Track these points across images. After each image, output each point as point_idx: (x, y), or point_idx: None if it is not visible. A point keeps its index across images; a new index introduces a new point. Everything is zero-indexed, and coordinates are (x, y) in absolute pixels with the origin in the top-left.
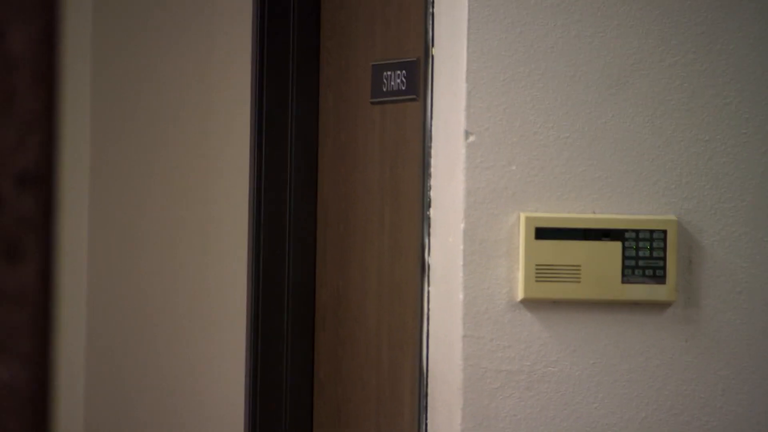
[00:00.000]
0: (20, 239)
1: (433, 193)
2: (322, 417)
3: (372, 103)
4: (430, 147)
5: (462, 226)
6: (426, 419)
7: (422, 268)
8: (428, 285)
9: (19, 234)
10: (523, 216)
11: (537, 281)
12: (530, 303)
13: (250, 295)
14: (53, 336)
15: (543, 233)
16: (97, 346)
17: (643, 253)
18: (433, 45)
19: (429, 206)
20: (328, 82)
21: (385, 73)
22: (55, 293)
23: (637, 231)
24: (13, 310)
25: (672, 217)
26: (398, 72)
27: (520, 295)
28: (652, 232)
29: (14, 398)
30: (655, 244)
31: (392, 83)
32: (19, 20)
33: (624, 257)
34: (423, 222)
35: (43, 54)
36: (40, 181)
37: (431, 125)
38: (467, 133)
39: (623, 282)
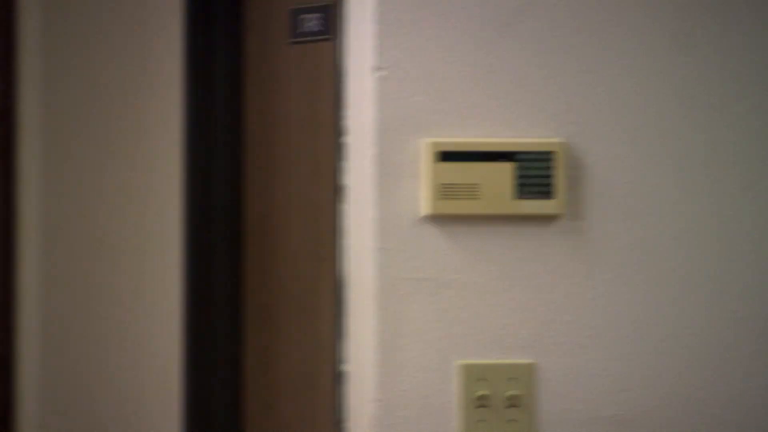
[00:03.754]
0: None
1: (347, 123)
2: (252, 321)
3: (291, 43)
4: (344, 81)
5: (373, 151)
6: (344, 324)
7: (338, 190)
8: (344, 204)
9: None
10: (427, 141)
11: (440, 199)
12: (435, 218)
13: (185, 214)
14: (17, 256)
15: (445, 156)
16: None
17: (534, 172)
18: None
19: (344, 134)
20: (252, 26)
21: (301, 16)
22: (16, 218)
23: (528, 152)
24: None
25: (559, 139)
26: (314, 15)
27: (425, 211)
28: (541, 153)
29: None
30: (544, 164)
31: (309, 25)
32: None
33: (517, 176)
34: (338, 148)
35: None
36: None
37: (345, 62)
38: (377, 69)
39: (517, 198)
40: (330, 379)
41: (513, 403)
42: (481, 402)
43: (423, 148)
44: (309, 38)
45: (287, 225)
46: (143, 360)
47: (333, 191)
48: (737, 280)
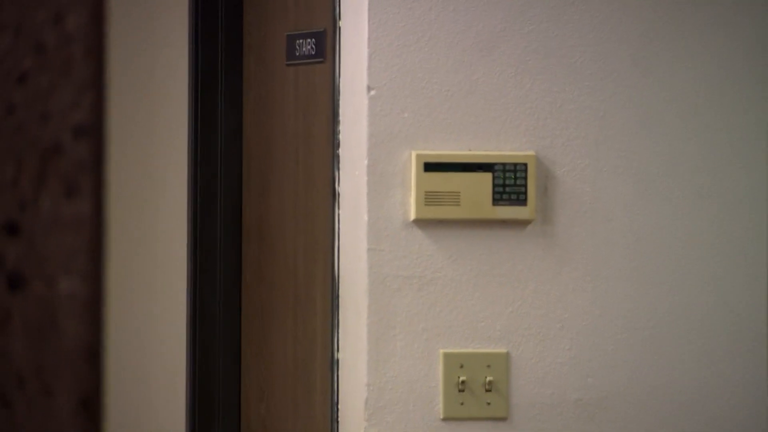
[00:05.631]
0: (77, 179)
1: (341, 136)
2: (248, 313)
3: (287, 65)
4: (338, 100)
5: (366, 162)
6: (338, 316)
7: (333, 196)
8: (338, 209)
9: (76, 175)
10: (414, 153)
11: (426, 205)
12: (421, 222)
13: (189, 218)
14: (105, 257)
15: (430, 167)
16: None
17: (509, 181)
18: (339, 18)
19: (338, 147)
20: (250, 49)
21: (297, 41)
22: (105, 224)
23: (504, 164)
24: (72, 236)
25: (531, 152)
26: (309, 40)
27: (412, 216)
28: (515, 164)
29: (75, 306)
30: (518, 174)
31: (304, 49)
32: (74, 5)
33: (494, 185)
34: (333, 159)
35: (93, 32)
36: (93, 133)
37: (339, 82)
38: (369, 88)
39: (494, 204)
40: (324, 366)
41: (489, 388)
42: (462, 387)
43: (410, 159)
44: (304, 61)
45: (282, 227)
46: (153, 346)
47: (327, 197)
48: (692, 277)
